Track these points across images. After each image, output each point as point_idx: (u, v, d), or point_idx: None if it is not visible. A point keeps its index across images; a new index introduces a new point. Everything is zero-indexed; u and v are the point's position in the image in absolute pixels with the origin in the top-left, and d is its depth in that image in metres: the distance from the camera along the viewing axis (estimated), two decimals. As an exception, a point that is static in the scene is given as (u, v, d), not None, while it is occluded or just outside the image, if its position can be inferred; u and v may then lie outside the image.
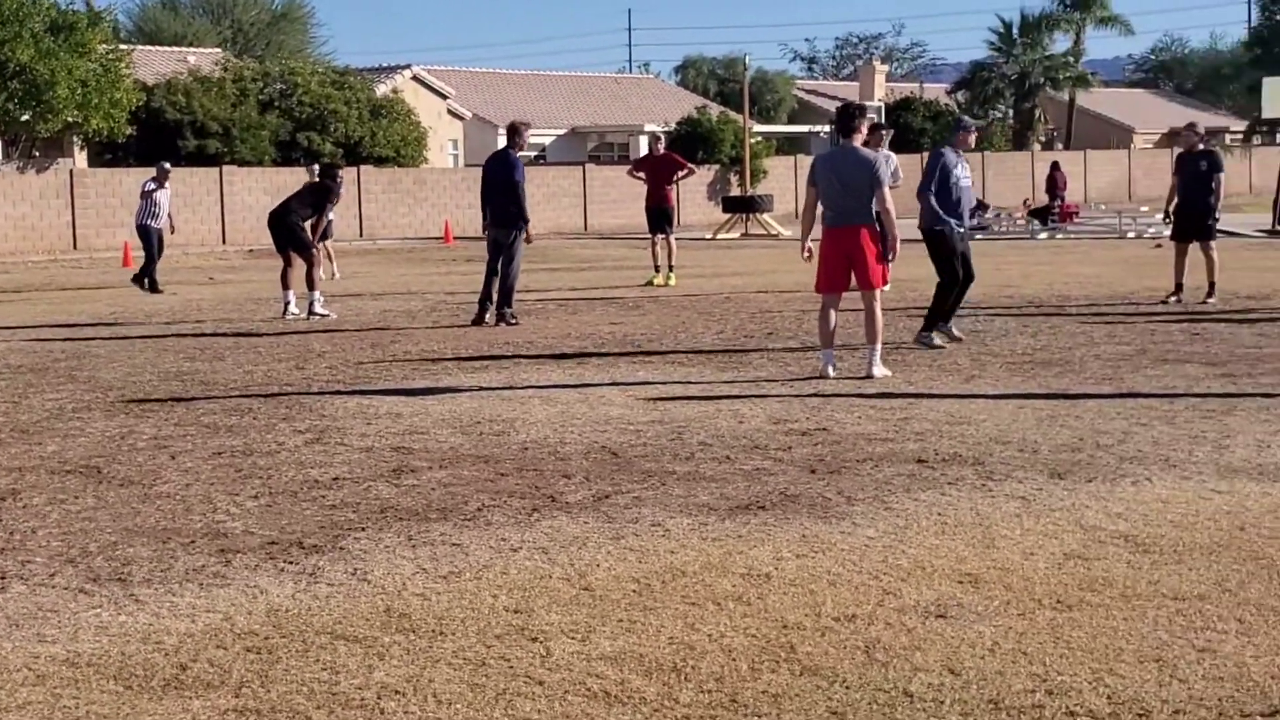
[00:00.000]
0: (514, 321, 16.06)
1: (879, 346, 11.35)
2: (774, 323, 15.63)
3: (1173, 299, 16.61)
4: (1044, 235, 33.87)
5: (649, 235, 22.44)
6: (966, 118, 16.85)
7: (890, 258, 11.45)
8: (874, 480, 7.69)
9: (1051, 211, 35.68)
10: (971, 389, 10.71)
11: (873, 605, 5.57)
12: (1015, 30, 67.51)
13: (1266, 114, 35.27)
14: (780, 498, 7.35)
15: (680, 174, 22.22)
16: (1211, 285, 16.65)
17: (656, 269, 21.86)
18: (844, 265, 11.38)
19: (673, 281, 21.38)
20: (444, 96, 54.32)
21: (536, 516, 7.07)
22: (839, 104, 12.75)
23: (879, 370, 11.26)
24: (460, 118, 55.88)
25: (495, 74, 66.64)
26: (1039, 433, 8.87)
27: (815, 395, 10.54)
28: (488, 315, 16.15)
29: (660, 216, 21.63)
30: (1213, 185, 16.65)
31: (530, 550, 6.45)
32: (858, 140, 11.55)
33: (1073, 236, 33.56)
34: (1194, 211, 16.73)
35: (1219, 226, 17.27)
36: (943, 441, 8.65)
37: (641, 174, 22.36)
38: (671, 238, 21.70)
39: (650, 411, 10.00)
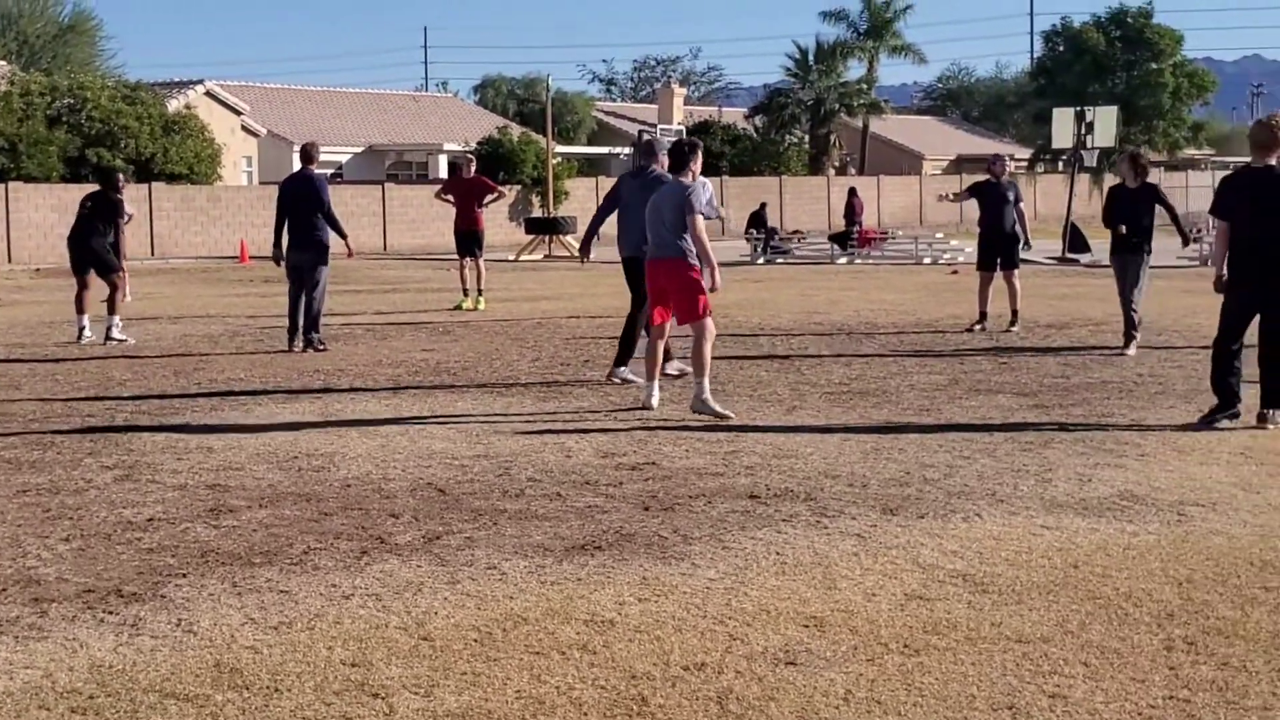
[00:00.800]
0: (322, 347, 15.71)
1: (705, 380, 11.06)
2: (590, 350, 15.53)
3: (978, 327, 16.92)
4: (844, 260, 34.40)
5: (455, 257, 22.21)
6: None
7: (711, 288, 11.09)
8: (709, 517, 7.62)
9: (851, 237, 36.25)
10: (794, 420, 10.73)
11: (721, 652, 5.47)
12: (811, 57, 68.63)
13: (1056, 144, 36.30)
14: (616, 537, 7.23)
15: (490, 197, 22.01)
16: (1015, 314, 17.00)
17: (465, 292, 21.62)
18: (663, 297, 11.26)
19: (482, 305, 21.18)
20: (238, 113, 53.30)
21: (366, 560, 6.84)
22: (672, 139, 12.27)
23: (710, 407, 10.92)
24: (255, 134, 54.88)
25: (290, 90, 65.61)
26: (866, 466, 8.89)
27: (641, 427, 10.46)
28: (295, 341, 15.79)
29: (470, 239, 21.41)
30: (1017, 215, 17.04)
31: (363, 597, 6.23)
32: (686, 178, 11.14)
33: (872, 262, 34.14)
34: (999, 240, 17.08)
35: (1025, 254, 17.74)
36: (773, 476, 8.63)
37: (450, 196, 22.10)
38: (480, 261, 21.49)
39: (474, 445, 9.81)
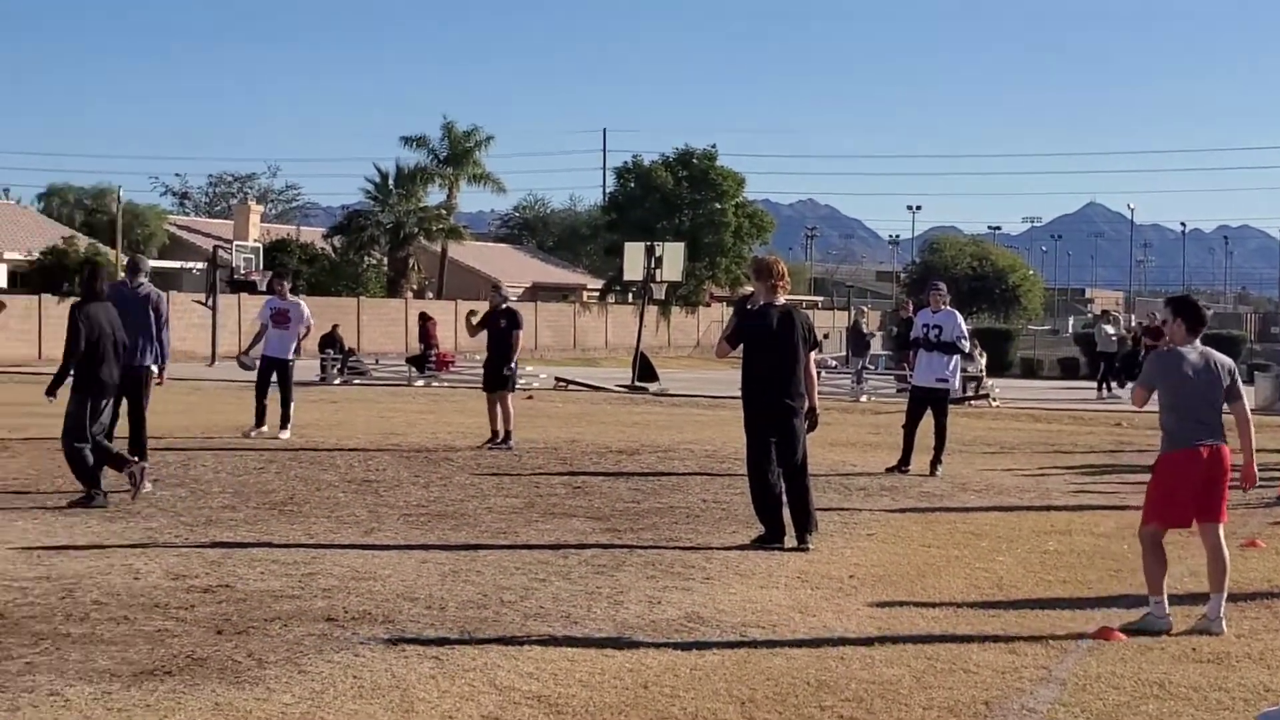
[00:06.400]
0: None
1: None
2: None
3: (487, 446, 17.94)
4: (421, 383, 34.51)
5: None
6: None
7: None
8: (284, 641, 7.52)
9: (428, 360, 36.41)
10: (373, 541, 10.70)
11: (298, 777, 5.41)
12: (391, 181, 68.94)
13: (627, 276, 37.67)
14: (187, 661, 7.05)
15: None
16: (508, 433, 18.13)
17: None
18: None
19: None
20: None
21: (-84, 688, 6.46)
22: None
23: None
24: None
25: None
26: (444, 589, 8.95)
27: (214, 546, 10.23)
28: None
29: None
30: (511, 341, 17.92)
31: (-87, 727, 5.89)
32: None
33: (448, 384, 34.35)
34: (495, 366, 18.34)
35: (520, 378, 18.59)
36: (350, 599, 8.58)
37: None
38: None
39: (35, 566, 9.38)
